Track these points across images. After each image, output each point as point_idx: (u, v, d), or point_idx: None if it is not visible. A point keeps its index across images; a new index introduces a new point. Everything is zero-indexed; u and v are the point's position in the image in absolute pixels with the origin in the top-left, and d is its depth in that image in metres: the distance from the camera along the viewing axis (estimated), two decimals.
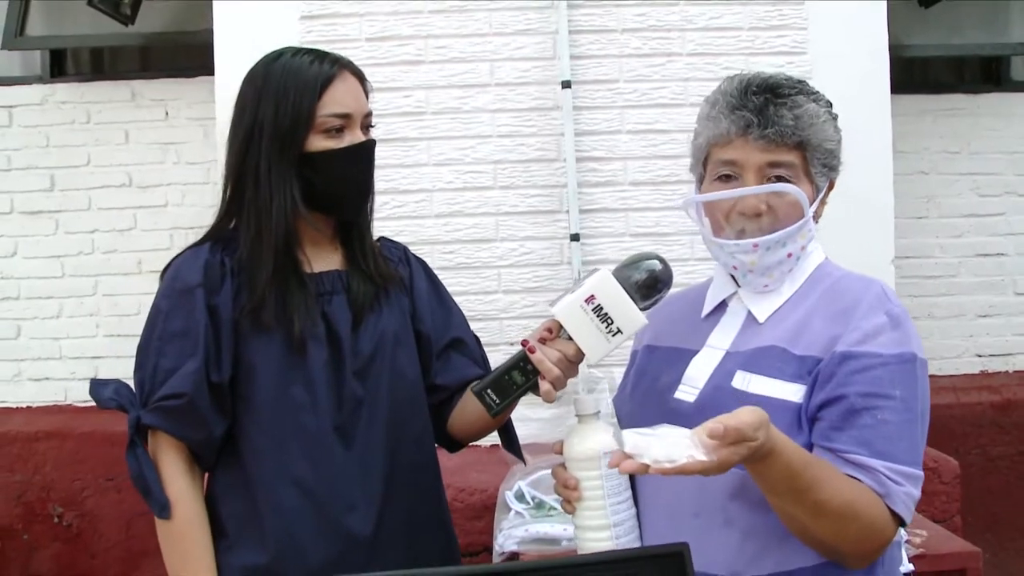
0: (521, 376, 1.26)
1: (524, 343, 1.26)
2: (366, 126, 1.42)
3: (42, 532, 3.45)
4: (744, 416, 0.98)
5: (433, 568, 1.10)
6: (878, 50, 2.74)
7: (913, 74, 3.70)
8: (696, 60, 2.74)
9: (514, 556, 2.14)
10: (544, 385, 1.24)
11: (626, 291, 1.21)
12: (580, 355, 1.25)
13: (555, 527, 2.18)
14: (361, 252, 1.47)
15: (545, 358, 1.23)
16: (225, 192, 1.44)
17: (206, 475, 1.44)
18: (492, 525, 2.37)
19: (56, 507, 3.46)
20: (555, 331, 1.25)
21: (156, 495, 1.34)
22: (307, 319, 1.37)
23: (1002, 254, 3.67)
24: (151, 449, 1.37)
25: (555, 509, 2.29)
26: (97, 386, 1.39)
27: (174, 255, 1.45)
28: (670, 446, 0.97)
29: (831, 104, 1.29)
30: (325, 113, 1.36)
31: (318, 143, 1.37)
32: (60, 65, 3.67)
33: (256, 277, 1.37)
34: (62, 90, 3.58)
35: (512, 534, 2.18)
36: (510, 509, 2.31)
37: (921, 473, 1.14)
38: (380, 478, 1.40)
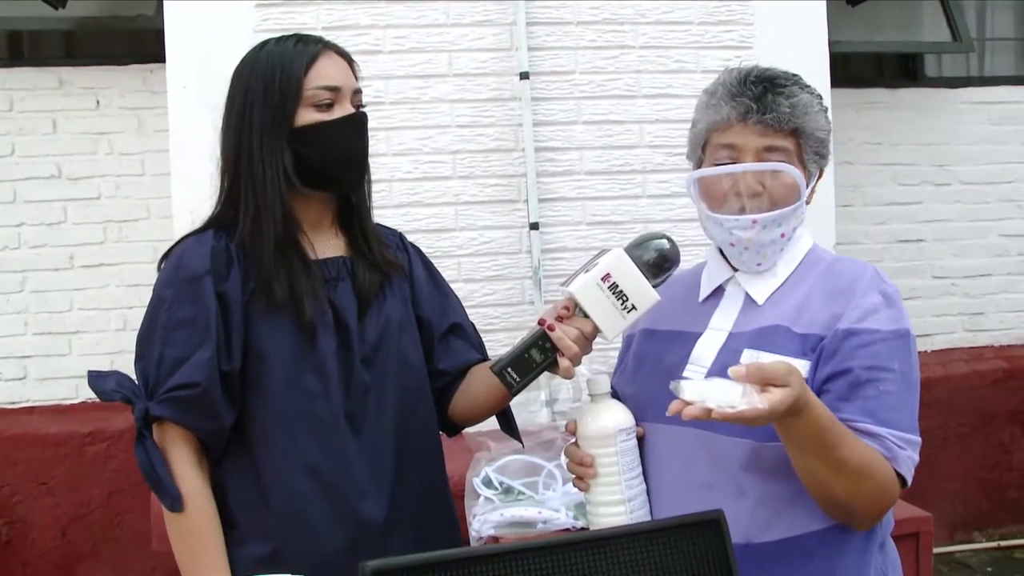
0: (540, 354, 1.28)
1: (542, 321, 1.28)
2: (357, 104, 1.43)
3: None
4: (767, 362, 1.05)
5: (480, 547, 1.12)
6: (819, 46, 2.88)
7: (837, 68, 3.87)
8: (648, 53, 2.81)
9: (492, 540, 2.16)
10: (564, 362, 1.27)
11: (639, 269, 1.25)
12: (596, 332, 1.28)
13: (529, 510, 2.21)
14: (364, 238, 1.48)
15: (564, 335, 1.26)
16: (223, 182, 1.43)
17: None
18: (461, 512, 2.39)
19: None
20: (572, 309, 1.28)
21: (168, 488, 1.31)
22: (316, 304, 1.37)
23: (921, 240, 3.88)
24: (158, 441, 1.34)
25: (523, 494, 2.32)
26: (97, 378, 1.35)
27: (172, 243, 1.43)
28: (730, 393, 1.02)
29: (822, 97, 1.36)
30: (313, 86, 1.36)
31: (308, 116, 1.37)
32: None
33: (259, 255, 1.36)
34: None
35: (488, 519, 2.20)
36: (479, 495, 2.33)
37: (919, 439, 1.23)
38: (390, 464, 1.41)
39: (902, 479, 1.20)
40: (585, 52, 2.79)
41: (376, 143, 2.67)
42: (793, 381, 1.04)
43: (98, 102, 3.42)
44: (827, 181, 2.90)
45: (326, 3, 2.68)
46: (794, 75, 1.34)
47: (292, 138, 1.37)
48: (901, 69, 3.98)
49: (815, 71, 2.82)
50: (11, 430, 3.33)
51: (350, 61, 1.45)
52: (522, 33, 2.73)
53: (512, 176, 2.79)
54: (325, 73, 1.38)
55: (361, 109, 1.44)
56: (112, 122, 3.42)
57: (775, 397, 1.02)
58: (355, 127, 1.41)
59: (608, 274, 1.24)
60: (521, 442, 1.64)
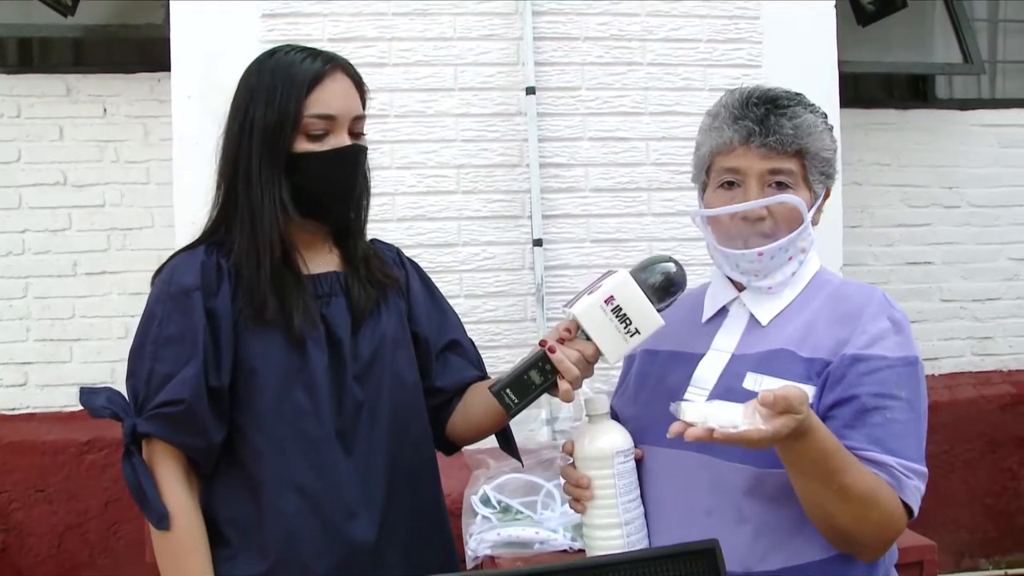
0: (540, 376, 1.26)
1: (543, 343, 1.26)
2: (355, 131, 1.38)
3: None
4: (790, 390, 1.02)
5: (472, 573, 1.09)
6: (828, 66, 2.86)
7: (847, 88, 3.85)
8: (656, 70, 2.80)
9: (489, 560, 2.13)
10: (563, 385, 1.25)
11: (644, 293, 1.23)
12: (598, 355, 1.26)
13: (526, 530, 2.18)
14: (357, 255, 1.45)
15: (565, 358, 1.24)
16: (218, 194, 1.41)
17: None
18: (458, 530, 2.36)
19: None
20: (573, 331, 1.26)
21: (154, 505, 1.29)
22: (306, 317, 1.35)
23: (929, 262, 3.84)
24: (146, 458, 1.32)
25: (521, 513, 2.29)
26: (88, 395, 1.34)
27: (166, 259, 1.41)
28: (732, 413, 1.01)
29: (827, 116, 1.34)
30: (310, 114, 1.32)
31: (302, 145, 1.33)
32: None
33: (254, 279, 1.34)
34: None
35: (484, 538, 2.17)
36: (476, 514, 2.30)
37: (926, 470, 1.20)
38: (382, 483, 1.38)
39: (909, 509, 1.18)
40: (592, 68, 2.78)
41: (380, 156, 2.72)
42: (804, 409, 1.03)
43: (105, 110, 3.43)
44: (835, 202, 2.85)
45: (332, 15, 2.67)
46: (797, 94, 1.33)
47: (288, 166, 1.34)
48: (911, 90, 3.96)
49: (824, 90, 2.83)
50: (10, 436, 3.31)
51: (359, 84, 1.40)
52: (529, 48, 2.72)
53: (516, 192, 2.77)
54: (323, 100, 1.33)
55: (360, 138, 1.40)
56: (119, 130, 3.42)
57: (780, 420, 1.01)
58: (347, 161, 1.36)
59: (612, 296, 1.22)
60: (521, 461, 1.63)
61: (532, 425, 2.59)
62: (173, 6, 2.63)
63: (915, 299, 3.80)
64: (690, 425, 1.02)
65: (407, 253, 2.37)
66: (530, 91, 2.73)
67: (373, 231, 2.63)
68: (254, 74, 1.37)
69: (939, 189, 3.85)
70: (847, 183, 3.64)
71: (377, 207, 2.67)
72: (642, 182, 2.81)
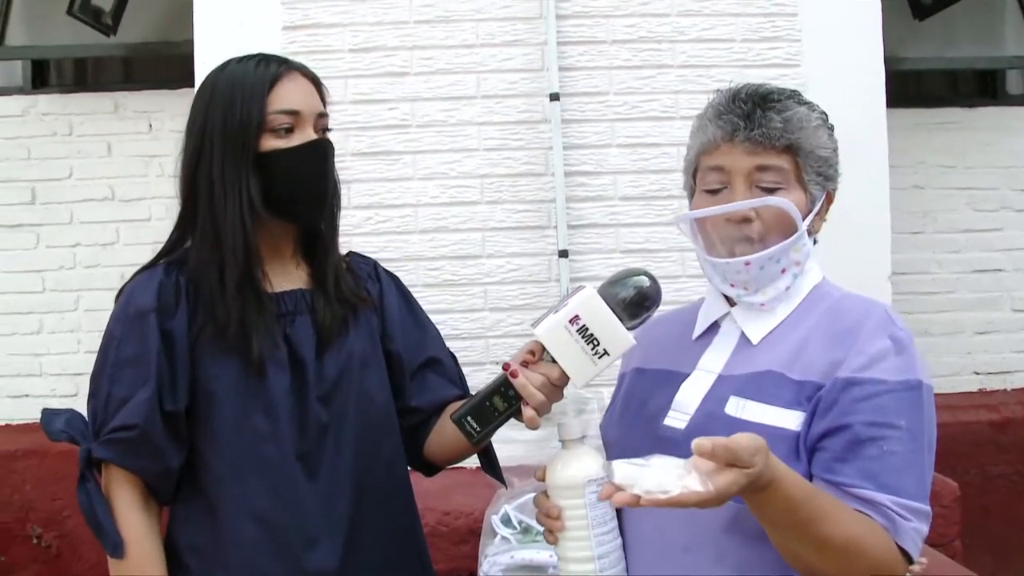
0: (503, 402, 1.20)
1: (506, 367, 1.19)
2: (321, 127, 1.36)
3: (20, 554, 3.37)
4: (739, 439, 0.91)
5: None
6: (873, 63, 2.70)
7: (907, 87, 3.66)
8: (687, 72, 2.69)
9: None
10: (528, 411, 1.18)
11: (612, 310, 1.15)
12: (565, 379, 1.18)
13: (541, 553, 2.12)
14: (325, 271, 1.41)
15: (528, 383, 1.17)
16: (181, 209, 1.39)
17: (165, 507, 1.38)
18: (477, 550, 2.31)
19: (35, 528, 3.37)
20: (538, 353, 1.19)
21: (108, 533, 1.27)
22: (266, 341, 1.31)
23: (1000, 270, 3.63)
24: (104, 483, 1.31)
25: (541, 534, 2.23)
26: (49, 416, 1.34)
27: (128, 277, 1.39)
28: (663, 476, 0.90)
29: (826, 115, 1.24)
30: (273, 111, 1.30)
31: (269, 142, 1.31)
32: (42, 76, 3.62)
33: (216, 295, 1.31)
34: (44, 101, 3.52)
35: (497, 560, 2.12)
36: (496, 534, 2.24)
37: (929, 509, 1.08)
38: (346, 508, 1.34)
39: (907, 555, 1.06)
40: (619, 72, 2.68)
41: (402, 167, 2.68)
42: (757, 460, 0.92)
43: (150, 125, 3.51)
44: (882, 206, 2.73)
45: (352, 25, 2.65)
46: (792, 91, 1.23)
47: (255, 165, 1.31)
48: (979, 87, 3.73)
49: (870, 90, 2.68)
50: (63, 446, 3.34)
51: (316, 83, 1.39)
52: (553, 53, 2.65)
53: (541, 201, 2.70)
54: (285, 97, 1.32)
55: (326, 134, 1.38)
56: (163, 145, 3.50)
57: (725, 479, 0.89)
58: (315, 155, 1.34)
59: (577, 316, 1.15)
60: (504, 483, 1.56)
61: (554, 443, 2.50)
62: (196, 19, 2.66)
63: (984, 309, 3.60)
64: (621, 488, 0.91)
65: (430, 266, 2.32)
66: (554, 97, 2.65)
67: (396, 243, 2.64)
68: (209, 87, 1.35)
69: (1009, 191, 3.62)
70: (907, 187, 3.48)
71: (399, 219, 2.68)
72: (674, 189, 2.69)
